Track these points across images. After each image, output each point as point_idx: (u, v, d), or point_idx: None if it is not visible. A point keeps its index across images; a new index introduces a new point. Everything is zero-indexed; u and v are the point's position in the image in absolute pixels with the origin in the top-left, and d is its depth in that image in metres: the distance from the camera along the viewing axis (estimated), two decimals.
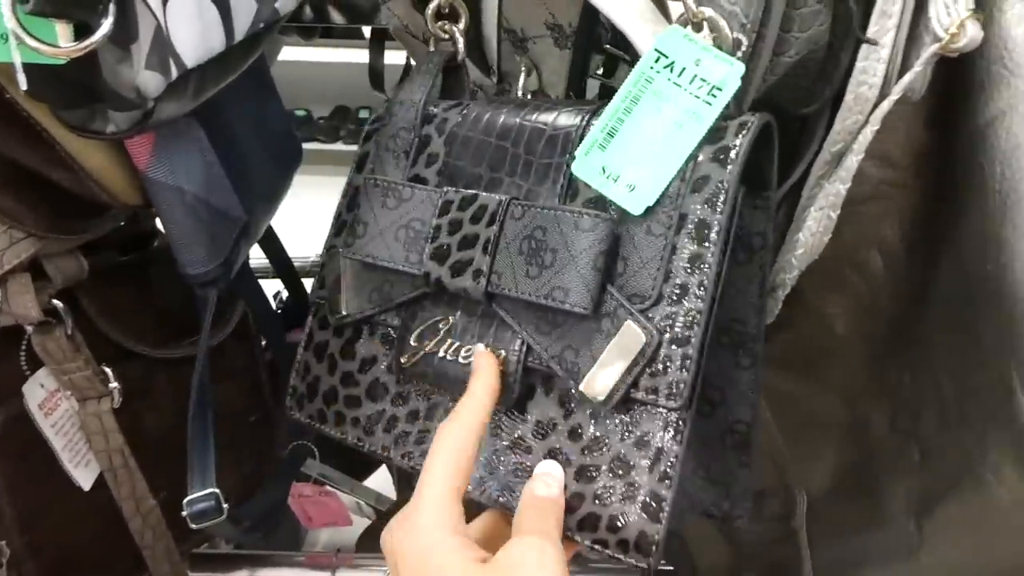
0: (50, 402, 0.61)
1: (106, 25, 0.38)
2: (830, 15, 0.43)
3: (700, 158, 0.43)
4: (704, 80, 0.43)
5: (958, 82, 0.45)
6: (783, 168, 0.49)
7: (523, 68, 0.56)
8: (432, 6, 0.53)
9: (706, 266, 0.41)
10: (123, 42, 0.41)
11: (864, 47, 0.43)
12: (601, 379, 0.42)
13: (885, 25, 0.42)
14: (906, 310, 0.51)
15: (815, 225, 0.48)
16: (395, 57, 0.83)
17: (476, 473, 0.46)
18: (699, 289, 0.41)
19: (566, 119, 0.47)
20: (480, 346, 0.47)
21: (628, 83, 0.44)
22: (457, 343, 0.48)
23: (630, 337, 0.42)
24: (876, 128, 0.44)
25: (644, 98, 0.44)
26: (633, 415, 0.43)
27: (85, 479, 0.64)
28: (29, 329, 0.58)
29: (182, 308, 0.68)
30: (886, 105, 0.44)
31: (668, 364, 0.41)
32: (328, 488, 0.83)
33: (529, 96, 0.58)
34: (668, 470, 0.42)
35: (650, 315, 0.42)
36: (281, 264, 0.81)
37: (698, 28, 0.43)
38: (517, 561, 0.38)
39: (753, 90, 0.44)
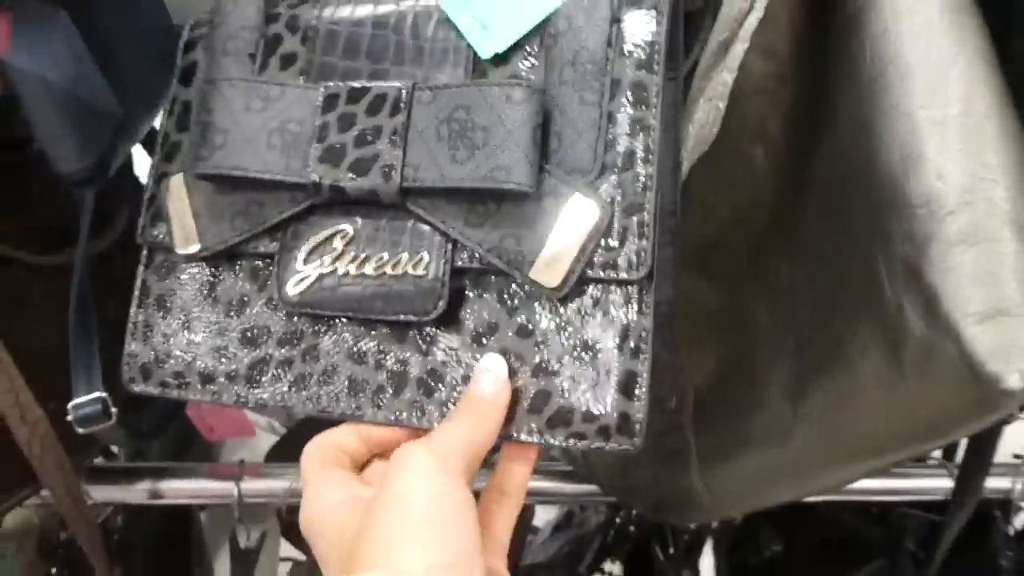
0: None
1: None
2: None
3: (625, 22, 0.42)
4: None
5: None
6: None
7: None
8: None
9: (651, 128, 0.41)
10: None
11: None
12: (554, 263, 0.40)
13: None
14: (787, 202, 0.52)
15: (704, 116, 0.48)
16: None
17: (415, 399, 0.43)
18: (646, 153, 0.41)
19: None
20: (496, 360, 0.41)
21: None
22: (363, 255, 0.43)
23: (580, 211, 0.40)
24: (760, 15, 0.45)
25: None
26: (589, 296, 0.41)
27: None
28: None
29: (64, 215, 0.66)
30: None
31: (625, 234, 0.40)
32: None
33: None
34: (640, 344, 0.40)
35: (596, 186, 0.40)
36: None
37: None
38: (393, 467, 0.37)
39: None
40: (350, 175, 0.42)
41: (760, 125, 0.52)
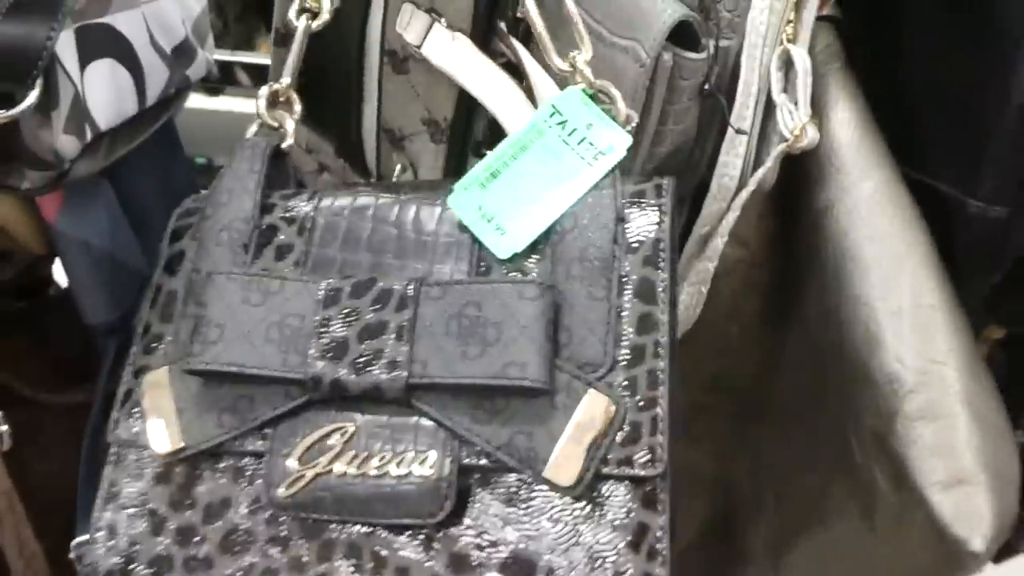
0: None
1: (32, 96, 0.40)
2: (698, 111, 0.50)
3: (629, 221, 0.43)
4: (592, 144, 0.45)
5: (798, 175, 0.53)
6: None
7: (399, 165, 0.57)
8: (266, 93, 0.49)
9: (659, 323, 0.41)
10: (45, 110, 0.43)
11: (725, 143, 0.50)
12: (567, 461, 0.39)
13: (741, 126, 0.49)
14: (763, 373, 0.58)
15: (688, 299, 0.54)
16: None
17: None
18: (655, 348, 0.40)
19: None
20: None
21: (521, 131, 0.46)
22: (365, 454, 0.40)
23: (594, 407, 0.39)
24: (737, 214, 0.51)
25: (532, 148, 0.45)
26: (603, 495, 0.39)
27: None
28: None
29: (78, 355, 0.69)
30: (744, 194, 0.51)
31: (639, 430, 0.39)
32: None
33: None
34: (656, 545, 0.39)
35: (608, 382, 0.40)
36: None
37: (594, 97, 0.46)
38: None
39: (633, 179, 0.50)
40: (353, 371, 0.40)
41: (733, 304, 0.58)
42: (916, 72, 0.56)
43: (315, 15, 0.51)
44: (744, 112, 0.49)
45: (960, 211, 0.54)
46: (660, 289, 0.42)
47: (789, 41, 0.48)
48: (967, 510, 0.45)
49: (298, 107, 0.50)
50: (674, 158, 0.51)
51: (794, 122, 0.48)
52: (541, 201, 0.44)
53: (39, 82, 0.40)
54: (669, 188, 0.44)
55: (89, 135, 0.49)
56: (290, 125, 0.50)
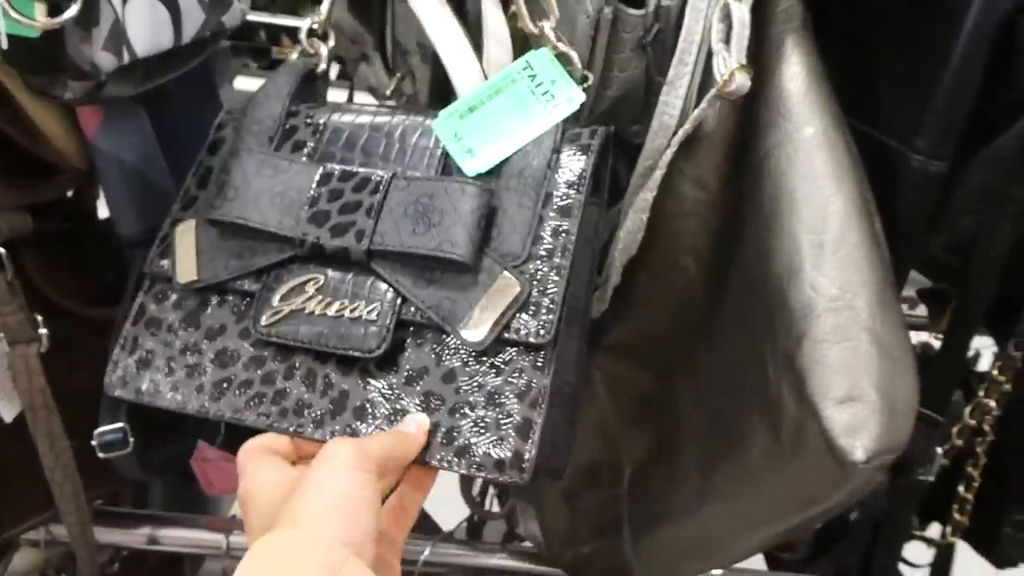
0: None
1: (74, 8, 0.49)
2: (643, 62, 0.55)
3: (563, 153, 0.54)
4: (553, 96, 0.55)
5: (749, 124, 0.58)
6: (618, 185, 0.62)
7: (398, 74, 0.66)
8: (307, 25, 0.61)
9: (569, 233, 0.51)
10: (86, 24, 0.52)
11: (665, 86, 0.55)
12: (479, 322, 0.49)
13: (682, 71, 0.55)
14: (710, 305, 0.63)
15: (631, 225, 0.60)
16: (337, 94, 0.94)
17: (349, 423, 0.51)
18: (563, 252, 0.51)
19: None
20: (422, 416, 0.50)
21: (498, 76, 0.56)
22: (329, 299, 0.52)
23: (505, 285, 0.50)
24: (675, 150, 0.56)
25: (505, 92, 0.56)
26: (504, 355, 0.50)
27: (8, 412, 0.72)
28: None
29: (115, 278, 0.77)
30: (681, 132, 0.56)
31: (538, 308, 0.49)
32: (231, 455, 0.90)
33: (404, 97, 0.68)
34: (539, 399, 0.49)
35: (521, 269, 0.50)
36: None
37: (559, 58, 0.56)
38: (322, 455, 0.45)
39: (585, 116, 0.56)
40: (329, 235, 0.52)
41: (693, 241, 0.62)
42: (875, 35, 0.60)
43: None
44: (685, 57, 0.54)
45: (904, 165, 0.57)
46: (576, 208, 0.52)
47: None
48: (855, 424, 0.49)
49: (332, 40, 0.62)
50: (625, 102, 0.57)
51: (726, 68, 0.53)
52: (505, 135, 0.55)
53: None
54: (600, 135, 0.54)
55: (127, 57, 0.57)
56: (324, 52, 0.62)
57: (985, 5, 0.52)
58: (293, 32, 0.82)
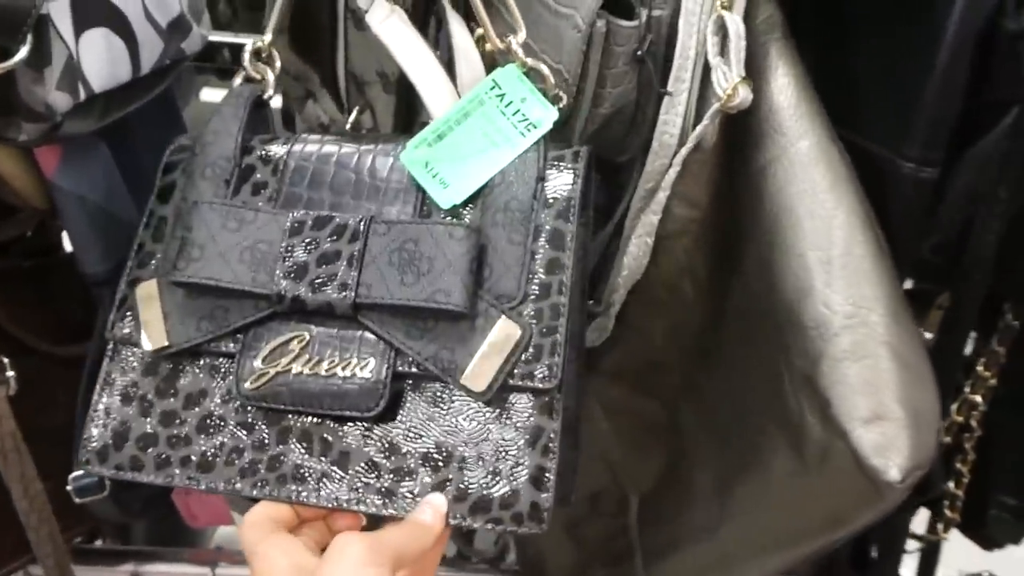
0: None
1: (23, 51, 0.45)
2: (635, 76, 0.53)
3: (548, 180, 0.51)
4: (525, 116, 0.52)
5: (741, 137, 0.56)
6: (610, 207, 0.60)
7: (357, 107, 0.63)
8: (251, 46, 0.57)
9: (565, 267, 0.49)
10: (38, 65, 0.48)
11: (664, 103, 0.53)
12: (481, 372, 0.47)
13: (680, 87, 0.53)
14: (710, 326, 0.61)
15: (635, 250, 0.58)
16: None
17: (353, 485, 0.48)
18: (560, 287, 0.48)
19: None
20: (438, 497, 0.47)
21: (465, 99, 0.53)
22: (317, 357, 0.48)
23: (505, 331, 0.47)
24: (678, 169, 0.55)
25: (473, 115, 0.53)
26: (509, 401, 0.48)
27: None
28: None
29: (82, 313, 0.74)
30: (684, 151, 0.54)
31: (540, 351, 0.47)
32: None
33: (364, 131, 0.64)
34: (549, 444, 0.47)
35: (519, 311, 0.48)
36: None
37: (528, 75, 0.52)
38: (334, 551, 0.43)
39: (577, 138, 0.54)
40: (311, 289, 0.48)
41: (688, 261, 0.61)
42: (854, 41, 0.59)
43: None
44: (682, 74, 0.52)
45: (893, 172, 0.57)
46: (568, 238, 0.50)
47: (724, 8, 0.52)
48: (885, 443, 0.48)
49: (279, 63, 0.57)
50: (616, 120, 0.55)
51: (727, 82, 0.51)
52: (478, 162, 0.52)
53: (30, 38, 0.45)
54: (584, 155, 0.51)
55: (83, 94, 0.53)
56: (271, 78, 0.57)
57: (968, 9, 0.52)
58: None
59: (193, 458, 0.49)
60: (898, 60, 0.55)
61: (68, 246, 0.77)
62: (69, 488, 0.66)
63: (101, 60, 0.55)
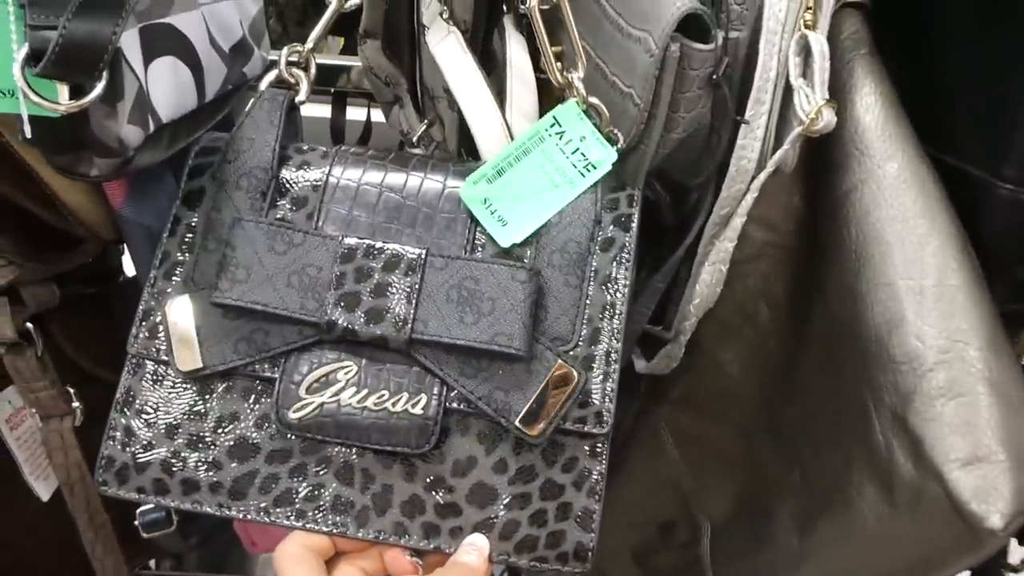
0: (16, 418, 0.66)
1: (99, 88, 0.44)
2: (710, 99, 0.51)
3: (604, 223, 0.51)
4: (584, 155, 0.52)
5: (823, 159, 0.54)
6: (681, 230, 0.58)
7: (426, 120, 0.62)
8: (285, 54, 0.55)
9: (618, 312, 0.49)
10: (111, 101, 0.48)
11: (743, 128, 0.51)
12: (536, 416, 0.47)
13: (759, 110, 0.50)
14: (787, 353, 0.59)
15: (709, 278, 0.56)
16: (356, 114, 0.90)
17: (397, 520, 0.48)
18: (612, 332, 0.49)
19: (459, 176, 0.51)
20: (481, 538, 0.47)
21: (525, 135, 0.52)
22: (366, 390, 0.47)
23: (561, 375, 0.47)
24: (755, 195, 0.53)
25: (533, 152, 0.52)
26: (557, 443, 0.48)
27: (44, 491, 0.69)
28: (1, 350, 0.63)
29: None
30: (763, 176, 0.52)
31: (593, 397, 0.47)
32: None
33: (433, 144, 0.63)
34: (595, 486, 0.47)
35: (573, 354, 0.48)
36: None
37: (587, 112, 0.52)
38: None
39: (648, 161, 0.52)
40: (365, 321, 0.47)
41: (764, 286, 0.59)
42: (945, 56, 0.56)
43: None
44: (762, 96, 0.50)
45: (989, 194, 0.54)
46: (622, 283, 0.49)
47: (807, 27, 0.49)
48: (985, 487, 0.45)
49: (313, 69, 0.56)
50: (690, 143, 0.53)
51: (810, 105, 0.49)
52: (538, 200, 0.51)
53: (105, 75, 0.44)
54: (638, 199, 0.52)
55: (152, 126, 0.53)
56: (305, 83, 0.56)
57: None
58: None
59: (224, 484, 0.48)
60: (1000, 75, 0.52)
61: (129, 270, 0.77)
62: (137, 523, 0.66)
63: (169, 90, 0.54)
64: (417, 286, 0.47)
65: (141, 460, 0.48)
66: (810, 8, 0.49)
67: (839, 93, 0.52)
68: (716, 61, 0.50)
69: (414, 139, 0.66)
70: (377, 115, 0.82)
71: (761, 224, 0.57)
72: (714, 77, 0.50)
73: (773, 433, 0.60)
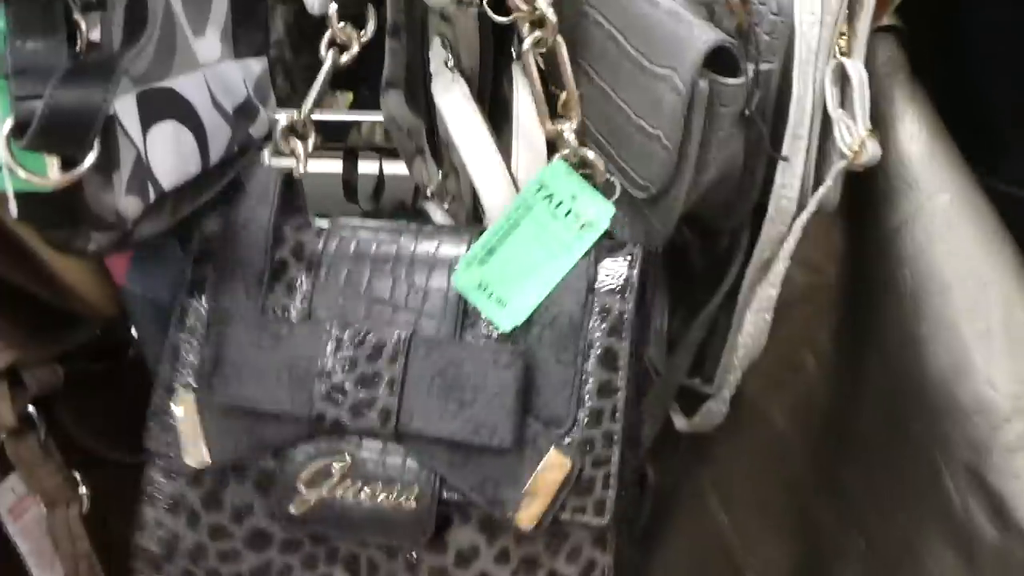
0: (19, 507, 0.62)
1: (91, 157, 0.42)
2: (742, 137, 0.48)
3: (600, 289, 0.46)
4: (577, 215, 0.48)
5: (866, 193, 0.50)
6: (717, 276, 0.54)
7: (441, 171, 0.59)
8: (283, 124, 0.54)
9: (617, 391, 0.45)
10: (106, 171, 0.45)
11: (780, 165, 0.47)
12: (529, 506, 0.44)
13: (798, 146, 0.47)
14: (840, 406, 0.55)
15: (752, 328, 0.52)
16: (368, 167, 0.88)
17: None
18: (612, 412, 0.45)
19: (449, 248, 0.49)
20: None
21: (511, 207, 0.49)
22: (360, 483, 0.47)
23: (554, 465, 0.44)
24: (797, 237, 0.49)
25: (523, 223, 0.48)
26: (560, 532, 0.45)
27: None
28: (2, 435, 0.60)
29: None
30: (804, 216, 0.48)
31: (592, 484, 0.44)
32: None
33: (450, 197, 0.61)
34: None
35: (568, 440, 0.45)
36: None
37: (577, 165, 0.49)
38: None
39: (680, 206, 0.48)
40: (351, 414, 0.46)
41: (808, 332, 0.55)
42: (987, 76, 0.53)
43: (344, 49, 0.55)
44: (799, 131, 0.47)
45: None
46: (621, 358, 0.46)
47: (843, 54, 0.46)
48: None
49: (313, 136, 0.55)
50: (722, 185, 0.50)
51: (853, 137, 0.45)
52: (535, 274, 0.47)
53: (97, 144, 0.42)
54: (637, 259, 0.47)
55: (152, 195, 0.50)
56: (302, 153, 0.54)
57: None
58: (317, 126, 0.75)
59: (243, 573, 0.49)
60: None
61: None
62: None
63: (170, 156, 0.52)
64: (401, 376, 0.46)
65: (170, 550, 0.50)
66: (844, 34, 0.46)
67: (879, 122, 0.49)
68: (747, 96, 0.46)
69: (430, 192, 0.63)
70: (390, 168, 0.80)
71: (801, 265, 0.53)
72: (746, 113, 0.47)
73: (832, 495, 0.56)
